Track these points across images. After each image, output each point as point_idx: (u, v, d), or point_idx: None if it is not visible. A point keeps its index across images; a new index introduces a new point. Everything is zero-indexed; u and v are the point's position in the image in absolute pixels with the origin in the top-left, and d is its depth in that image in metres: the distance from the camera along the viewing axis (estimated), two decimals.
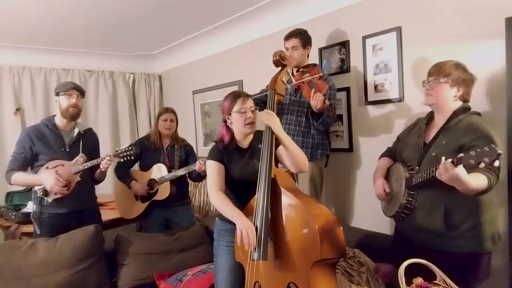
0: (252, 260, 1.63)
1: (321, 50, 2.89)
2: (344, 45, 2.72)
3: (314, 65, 2.47)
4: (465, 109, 1.74)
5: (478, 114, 1.74)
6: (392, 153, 2.06)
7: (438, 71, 1.72)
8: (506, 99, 1.92)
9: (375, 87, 2.55)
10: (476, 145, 1.49)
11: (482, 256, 1.70)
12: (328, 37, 2.83)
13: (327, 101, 2.24)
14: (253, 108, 1.87)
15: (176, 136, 3.02)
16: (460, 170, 1.41)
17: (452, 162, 1.41)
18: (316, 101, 2.18)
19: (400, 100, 2.40)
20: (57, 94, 2.48)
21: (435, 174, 1.52)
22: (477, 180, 1.50)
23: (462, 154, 1.41)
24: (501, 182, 1.95)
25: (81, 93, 2.52)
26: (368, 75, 2.58)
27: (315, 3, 2.84)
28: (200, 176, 2.78)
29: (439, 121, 1.79)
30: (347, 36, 2.70)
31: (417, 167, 1.77)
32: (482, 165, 1.33)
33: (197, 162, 2.68)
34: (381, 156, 2.11)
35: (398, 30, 2.38)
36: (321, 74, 2.33)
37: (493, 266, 2.00)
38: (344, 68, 2.74)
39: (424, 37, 2.26)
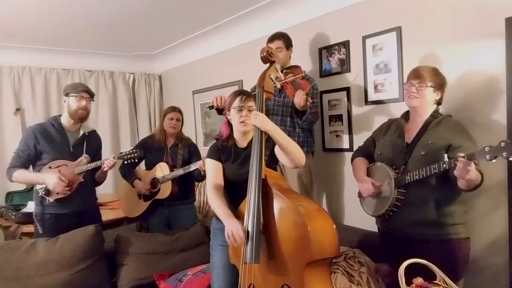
0: (244, 263, 1.61)
1: (321, 50, 2.89)
2: (344, 45, 2.72)
3: (297, 66, 2.51)
4: (437, 112, 1.89)
5: (450, 116, 1.89)
6: (366, 153, 2.13)
7: (422, 77, 1.81)
8: (506, 99, 1.92)
9: (375, 87, 2.55)
10: (463, 145, 1.70)
11: (469, 240, 1.83)
12: (328, 37, 2.83)
13: (309, 98, 2.30)
14: (252, 107, 1.86)
15: (180, 135, 3.01)
16: (473, 166, 1.53)
17: (463, 157, 1.50)
18: (299, 98, 2.26)
19: (400, 100, 2.40)
20: (67, 94, 2.47)
21: (437, 170, 1.64)
22: (478, 175, 1.62)
23: (460, 152, 1.54)
24: (501, 182, 1.96)
25: (91, 96, 2.53)
26: (368, 75, 2.58)
27: (315, 3, 2.84)
28: (200, 176, 2.77)
29: (417, 122, 1.89)
30: (347, 36, 2.70)
31: (402, 166, 1.84)
32: (494, 160, 1.45)
33: (199, 161, 2.68)
34: (355, 157, 2.17)
35: (398, 30, 2.38)
36: (303, 74, 2.38)
37: (493, 265, 2.01)
38: (344, 68, 2.74)
39: (424, 37, 2.26)
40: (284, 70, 2.43)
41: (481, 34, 2.01)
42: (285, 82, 2.24)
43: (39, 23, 3.29)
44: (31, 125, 2.58)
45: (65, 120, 2.52)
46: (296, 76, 2.27)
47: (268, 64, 2.01)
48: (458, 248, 1.78)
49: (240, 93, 1.91)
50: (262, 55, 2.01)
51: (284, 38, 2.60)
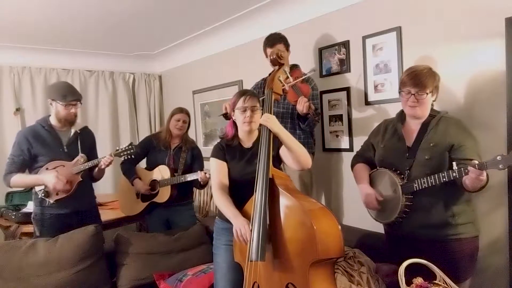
0: (250, 261, 1.63)
1: (321, 50, 2.89)
2: (344, 45, 2.72)
3: (296, 66, 2.50)
4: (433, 110, 1.87)
5: (446, 113, 1.88)
6: (365, 159, 2.10)
7: (421, 85, 1.76)
8: (507, 99, 1.92)
9: (375, 87, 2.55)
10: (465, 144, 1.70)
11: (477, 238, 1.83)
12: (328, 37, 2.83)
13: (312, 105, 2.30)
14: (256, 107, 1.88)
15: (185, 138, 2.98)
16: (485, 175, 1.54)
17: (474, 166, 1.50)
18: (302, 106, 2.26)
19: (400, 100, 2.40)
20: (53, 99, 2.43)
21: (447, 179, 1.63)
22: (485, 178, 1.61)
23: (461, 151, 1.62)
24: (501, 182, 1.96)
25: (80, 100, 2.49)
26: (368, 75, 2.58)
27: (315, 3, 2.84)
28: (200, 185, 2.76)
29: (415, 123, 1.87)
30: (347, 36, 2.70)
31: (407, 171, 1.82)
32: (506, 168, 1.44)
33: (199, 172, 2.66)
34: (354, 163, 2.14)
35: (398, 30, 2.38)
36: (303, 77, 2.37)
37: (493, 265, 2.01)
38: (344, 68, 2.74)
39: (424, 37, 2.26)
40: None
41: (481, 34, 2.01)
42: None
43: (39, 23, 3.29)
44: (21, 129, 2.56)
45: (54, 122, 2.49)
46: (297, 80, 2.26)
47: (277, 67, 2.03)
48: (468, 247, 1.78)
49: (244, 93, 1.92)
50: (271, 57, 2.03)
51: (284, 41, 2.59)
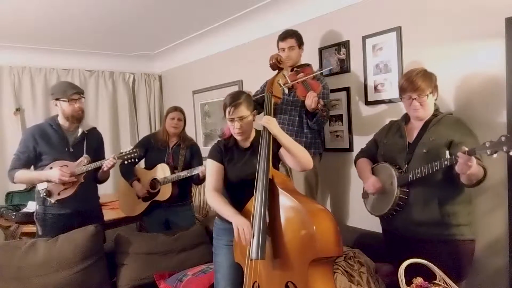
0: (250, 260, 1.64)
1: (321, 50, 2.89)
2: (344, 45, 2.72)
3: (308, 65, 2.50)
4: (437, 110, 1.91)
5: (450, 114, 1.92)
6: (369, 155, 2.14)
7: (420, 89, 1.80)
8: (506, 99, 1.92)
9: (375, 87, 2.55)
10: (464, 141, 1.69)
11: (474, 242, 1.83)
12: (328, 37, 2.83)
13: (321, 100, 2.28)
14: (243, 117, 1.84)
15: (183, 136, 2.99)
16: (474, 161, 1.53)
17: (464, 153, 1.51)
18: (311, 100, 2.24)
19: (400, 100, 2.40)
20: (57, 99, 2.43)
21: (439, 167, 1.65)
22: (480, 169, 1.62)
23: (462, 147, 1.54)
24: (501, 182, 1.96)
25: (82, 93, 2.50)
26: (368, 75, 2.58)
27: (315, 3, 2.84)
28: (199, 180, 2.77)
29: (418, 123, 1.91)
30: (347, 36, 2.70)
31: (405, 165, 1.85)
32: (495, 155, 1.43)
33: (200, 167, 2.68)
34: (358, 158, 2.19)
35: (398, 30, 2.38)
36: (314, 74, 2.36)
37: (493, 266, 2.01)
38: (344, 68, 2.74)
39: (424, 37, 2.26)
40: (295, 69, 2.42)
41: (481, 34, 2.01)
42: (296, 82, 2.23)
43: (39, 23, 3.29)
44: (29, 127, 2.57)
45: (62, 121, 2.50)
46: (307, 76, 2.25)
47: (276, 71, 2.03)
48: (462, 249, 1.77)
49: (229, 104, 1.85)
50: (271, 62, 2.03)
51: (296, 36, 2.56)
